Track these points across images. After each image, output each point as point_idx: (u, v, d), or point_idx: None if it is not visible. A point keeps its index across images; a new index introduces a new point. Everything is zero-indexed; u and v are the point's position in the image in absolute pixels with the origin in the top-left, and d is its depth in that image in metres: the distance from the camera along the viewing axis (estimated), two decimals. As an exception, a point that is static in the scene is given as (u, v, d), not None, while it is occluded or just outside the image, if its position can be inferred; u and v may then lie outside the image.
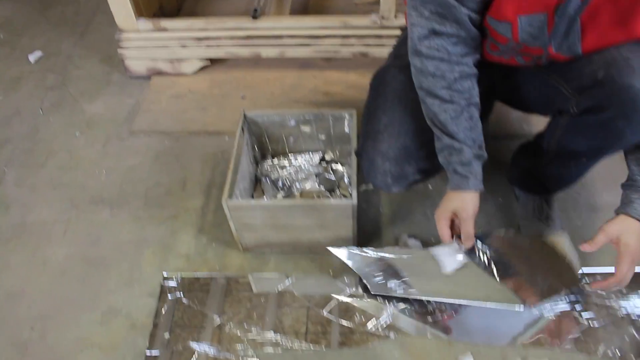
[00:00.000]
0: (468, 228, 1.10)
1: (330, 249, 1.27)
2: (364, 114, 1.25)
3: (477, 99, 1.06)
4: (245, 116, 1.42)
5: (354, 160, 1.31)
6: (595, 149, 1.09)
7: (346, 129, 1.44)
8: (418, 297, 1.20)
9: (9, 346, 1.25)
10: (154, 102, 1.78)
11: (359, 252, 1.26)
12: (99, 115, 1.79)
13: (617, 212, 1.05)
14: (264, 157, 1.55)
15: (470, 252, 1.18)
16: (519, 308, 1.13)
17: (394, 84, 1.18)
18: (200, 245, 1.42)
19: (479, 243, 1.17)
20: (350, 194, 1.41)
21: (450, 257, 1.18)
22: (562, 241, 1.21)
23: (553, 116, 1.14)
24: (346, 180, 1.49)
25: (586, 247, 1.05)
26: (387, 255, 1.24)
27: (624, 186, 1.06)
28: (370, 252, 1.26)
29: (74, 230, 1.48)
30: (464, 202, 1.08)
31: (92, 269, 1.40)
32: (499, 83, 1.21)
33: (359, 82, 1.77)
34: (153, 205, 1.52)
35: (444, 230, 1.11)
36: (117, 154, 1.67)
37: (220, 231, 1.45)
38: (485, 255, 1.17)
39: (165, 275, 1.36)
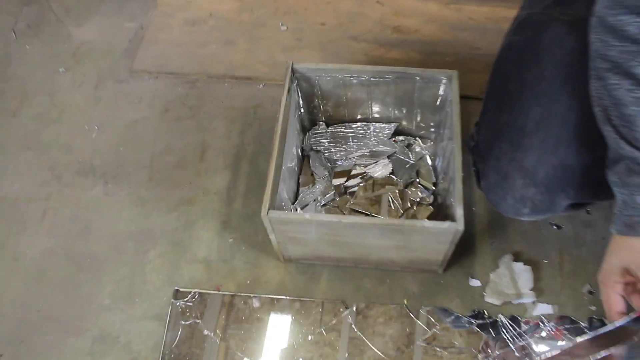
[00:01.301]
0: None
1: None
2: (490, 89, 0.82)
3: None
4: (293, 71, 0.97)
5: (440, 143, 0.89)
6: None
7: (440, 93, 0.98)
8: None
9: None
10: (163, 29, 1.32)
11: None
12: (90, 43, 1.34)
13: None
14: (313, 122, 1.12)
15: None
16: None
17: (558, 51, 0.73)
18: (225, 246, 1.04)
19: None
20: (433, 189, 1.01)
21: None
22: None
23: None
24: (428, 161, 1.07)
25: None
26: None
27: None
28: None
29: (56, 213, 1.10)
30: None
31: (79, 272, 1.03)
32: None
33: (446, 14, 1.28)
34: (161, 180, 1.13)
35: (611, 300, 0.69)
36: (114, 102, 1.24)
37: (251, 226, 1.06)
38: None
39: (177, 290, 1.00)
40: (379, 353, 0.92)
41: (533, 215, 0.79)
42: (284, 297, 0.98)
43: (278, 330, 0.95)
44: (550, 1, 0.80)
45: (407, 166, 1.05)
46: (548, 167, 0.73)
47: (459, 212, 0.81)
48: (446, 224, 0.80)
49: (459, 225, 0.80)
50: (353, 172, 1.04)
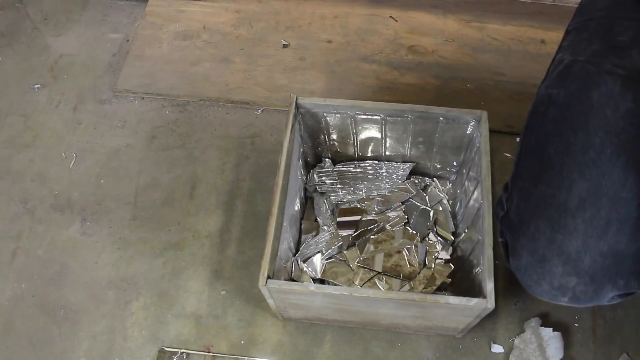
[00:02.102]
0: None
1: None
2: (524, 149, 0.70)
3: None
4: (297, 106, 0.85)
5: (462, 187, 0.78)
6: None
7: (466, 133, 0.86)
8: None
9: None
10: (151, 43, 1.19)
11: None
12: (70, 56, 1.21)
13: None
14: (318, 158, 0.99)
15: None
16: None
17: (610, 113, 0.61)
18: (216, 299, 0.93)
19: None
20: (452, 240, 0.89)
21: None
22: None
23: None
24: (446, 205, 0.95)
25: None
26: None
27: None
28: None
29: (28, 254, 0.98)
30: None
31: (52, 324, 0.92)
32: None
33: (466, 33, 1.15)
34: (146, 220, 1.01)
35: None
36: (94, 126, 1.11)
37: (247, 276, 0.94)
38: None
39: (162, 348, 0.88)
40: None
41: (572, 304, 0.67)
42: (283, 361, 0.87)
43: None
44: (599, 45, 0.67)
45: (422, 212, 0.94)
46: (595, 254, 0.61)
47: (489, 286, 0.69)
48: (474, 301, 0.69)
49: (488, 303, 0.69)
50: (362, 222, 0.93)
